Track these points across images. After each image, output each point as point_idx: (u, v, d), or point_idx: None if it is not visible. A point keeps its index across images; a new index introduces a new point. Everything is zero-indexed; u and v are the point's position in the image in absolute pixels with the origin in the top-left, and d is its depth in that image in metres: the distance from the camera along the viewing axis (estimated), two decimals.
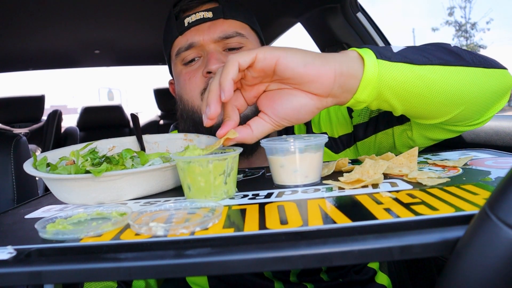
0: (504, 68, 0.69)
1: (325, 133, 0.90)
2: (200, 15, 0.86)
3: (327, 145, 0.87)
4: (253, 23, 0.93)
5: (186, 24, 0.87)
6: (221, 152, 0.59)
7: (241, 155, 0.89)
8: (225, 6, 0.88)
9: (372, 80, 0.58)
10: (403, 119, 0.79)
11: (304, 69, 0.55)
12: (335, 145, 0.90)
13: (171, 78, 1.03)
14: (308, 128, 0.93)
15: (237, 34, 0.87)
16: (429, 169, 0.62)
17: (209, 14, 0.86)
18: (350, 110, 0.89)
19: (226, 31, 0.86)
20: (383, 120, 0.83)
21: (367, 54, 0.58)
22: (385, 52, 0.60)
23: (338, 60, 0.57)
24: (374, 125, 0.84)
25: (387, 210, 0.43)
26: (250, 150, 0.89)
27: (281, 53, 0.54)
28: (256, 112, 0.67)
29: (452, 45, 0.67)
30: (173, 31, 0.90)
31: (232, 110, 0.60)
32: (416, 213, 0.41)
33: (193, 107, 0.88)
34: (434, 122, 0.68)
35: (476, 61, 0.65)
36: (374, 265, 0.92)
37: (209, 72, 0.84)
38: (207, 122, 0.56)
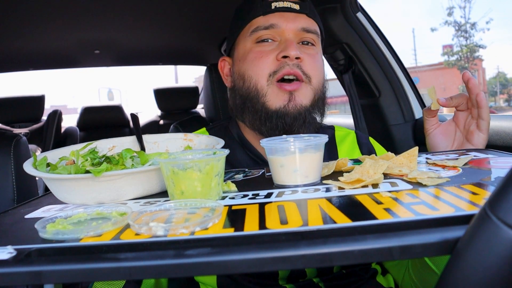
0: None
1: None
2: (287, 4, 0.92)
3: None
4: (321, 32, 1.01)
5: (273, 7, 0.92)
6: (214, 153, 0.59)
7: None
8: (310, 5, 0.95)
9: None
10: None
11: (468, 141, 0.87)
12: None
13: (224, 56, 1.06)
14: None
15: (315, 32, 0.95)
16: (429, 169, 0.62)
17: (296, 6, 0.92)
18: None
19: (309, 25, 0.93)
20: None
21: None
22: None
23: None
24: None
25: (387, 210, 0.43)
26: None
27: (485, 126, 0.85)
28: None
29: None
30: (254, 10, 0.94)
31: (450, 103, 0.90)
32: (416, 213, 0.41)
33: (257, 84, 0.91)
34: None
35: None
36: (376, 266, 0.92)
37: (284, 57, 0.88)
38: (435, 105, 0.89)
